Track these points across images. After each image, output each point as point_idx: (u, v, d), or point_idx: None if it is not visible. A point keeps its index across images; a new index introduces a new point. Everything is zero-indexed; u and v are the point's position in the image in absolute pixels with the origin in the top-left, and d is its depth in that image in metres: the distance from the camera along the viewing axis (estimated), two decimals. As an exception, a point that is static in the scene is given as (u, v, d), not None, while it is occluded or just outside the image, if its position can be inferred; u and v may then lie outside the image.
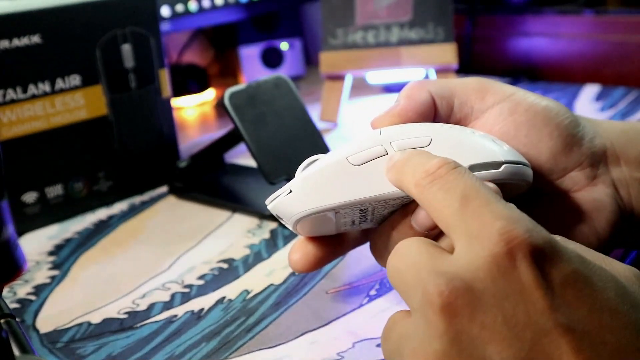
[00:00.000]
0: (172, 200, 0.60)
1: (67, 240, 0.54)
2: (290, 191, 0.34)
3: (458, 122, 0.36)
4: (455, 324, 0.24)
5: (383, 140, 0.34)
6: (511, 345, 0.24)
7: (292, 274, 0.46)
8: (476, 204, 0.26)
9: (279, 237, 0.51)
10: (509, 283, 0.24)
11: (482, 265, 0.25)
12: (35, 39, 0.54)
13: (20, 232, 0.55)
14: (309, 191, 0.34)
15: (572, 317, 0.24)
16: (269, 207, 0.35)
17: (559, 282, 0.25)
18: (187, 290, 0.45)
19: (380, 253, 0.36)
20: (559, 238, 0.27)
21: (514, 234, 0.25)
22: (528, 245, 0.25)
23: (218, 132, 0.77)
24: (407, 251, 0.28)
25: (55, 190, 0.57)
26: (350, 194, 0.34)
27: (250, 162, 0.61)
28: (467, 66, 0.93)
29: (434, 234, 0.32)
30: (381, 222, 0.36)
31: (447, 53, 0.73)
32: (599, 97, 0.78)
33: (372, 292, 0.42)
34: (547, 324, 0.24)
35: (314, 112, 0.68)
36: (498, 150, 0.34)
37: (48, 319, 0.43)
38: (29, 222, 0.55)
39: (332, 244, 0.37)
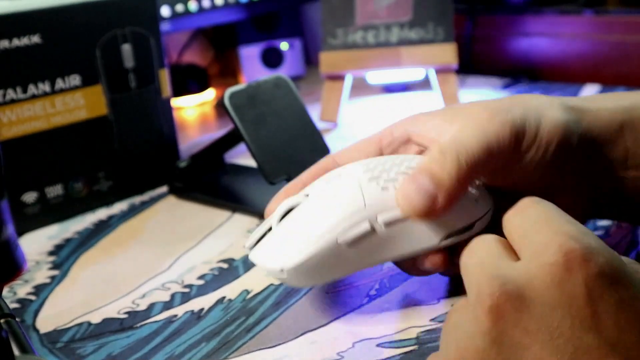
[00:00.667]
0: (172, 200, 0.60)
1: (67, 240, 0.54)
2: (282, 270, 0.36)
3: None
4: (499, 325, 0.25)
5: (369, 215, 0.36)
6: (550, 355, 0.24)
7: (292, 274, 0.46)
8: (545, 225, 0.27)
9: (279, 237, 0.51)
10: (559, 295, 0.25)
11: (537, 274, 0.25)
12: (35, 39, 0.54)
13: (20, 232, 0.55)
14: (303, 275, 0.36)
15: (619, 340, 0.24)
16: (261, 267, 0.38)
17: (613, 303, 0.25)
18: (187, 290, 0.45)
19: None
20: (626, 260, 0.27)
21: (574, 247, 0.25)
22: (587, 261, 0.25)
23: (218, 132, 0.77)
24: (478, 247, 0.29)
25: (55, 190, 0.57)
26: (343, 271, 0.37)
27: (250, 162, 0.61)
28: (467, 66, 0.93)
29: None
30: None
31: (447, 53, 0.73)
32: (599, 97, 0.79)
33: (372, 292, 0.42)
34: (592, 343, 0.24)
35: (314, 112, 0.68)
36: (473, 209, 0.37)
37: (48, 319, 0.43)
38: (29, 222, 0.55)
39: None
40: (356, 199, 0.36)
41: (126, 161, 0.60)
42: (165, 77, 0.62)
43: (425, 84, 0.83)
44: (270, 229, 0.38)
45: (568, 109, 0.38)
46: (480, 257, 0.28)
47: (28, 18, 0.53)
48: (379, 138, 0.42)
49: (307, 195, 0.38)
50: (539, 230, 0.27)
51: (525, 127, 0.36)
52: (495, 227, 0.33)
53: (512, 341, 0.25)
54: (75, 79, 0.56)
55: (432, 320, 0.39)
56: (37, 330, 0.42)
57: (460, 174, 0.35)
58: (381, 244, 0.36)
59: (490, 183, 0.40)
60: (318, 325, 0.39)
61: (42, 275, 0.48)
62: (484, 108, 0.37)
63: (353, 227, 0.36)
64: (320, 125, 0.74)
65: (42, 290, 0.46)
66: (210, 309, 0.42)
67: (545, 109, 0.37)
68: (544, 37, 0.89)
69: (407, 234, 0.36)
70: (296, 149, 0.53)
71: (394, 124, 0.42)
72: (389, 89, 0.87)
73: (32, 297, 0.46)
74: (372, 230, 0.36)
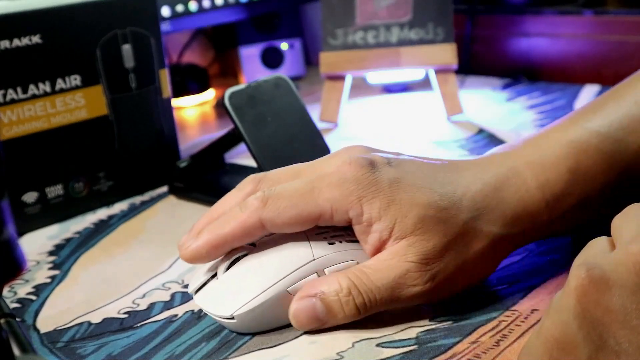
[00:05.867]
0: (172, 200, 0.60)
1: (67, 240, 0.54)
2: (232, 316, 0.38)
3: None
4: (582, 303, 0.28)
5: (317, 267, 0.38)
6: (625, 334, 0.27)
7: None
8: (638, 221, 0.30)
9: (279, 237, 0.51)
10: (639, 281, 0.27)
11: (623, 261, 0.28)
12: (36, 39, 0.54)
13: (21, 232, 0.55)
14: (252, 321, 0.38)
15: None
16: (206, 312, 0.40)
17: None
18: (187, 290, 0.45)
19: None
20: None
21: None
22: None
23: (218, 132, 0.77)
24: (588, 246, 0.31)
25: (55, 190, 0.57)
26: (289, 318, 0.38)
27: (250, 162, 0.61)
28: (467, 66, 0.93)
29: None
30: None
31: (447, 53, 0.73)
32: (599, 97, 0.78)
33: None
34: None
35: (314, 112, 0.68)
36: None
37: (48, 319, 0.43)
38: (29, 222, 0.56)
39: None
40: (305, 252, 0.38)
41: (126, 161, 0.60)
42: (165, 77, 0.62)
43: (425, 84, 0.84)
44: (214, 275, 0.40)
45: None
46: (586, 253, 0.31)
47: (28, 18, 0.53)
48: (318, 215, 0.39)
49: (254, 245, 0.40)
50: (633, 226, 0.30)
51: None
52: None
53: (593, 318, 0.28)
54: (75, 79, 0.56)
55: (431, 320, 0.39)
56: (37, 330, 0.42)
57: (361, 315, 0.38)
58: None
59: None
60: (318, 325, 0.39)
61: (42, 275, 0.49)
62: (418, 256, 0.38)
63: (302, 278, 0.38)
64: (320, 125, 0.74)
65: (42, 290, 0.46)
66: (211, 308, 0.42)
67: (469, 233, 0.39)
68: (543, 37, 0.89)
69: None
70: (296, 149, 0.53)
71: (335, 206, 0.39)
72: (389, 89, 0.87)
73: (33, 297, 0.46)
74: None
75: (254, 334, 0.39)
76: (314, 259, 0.38)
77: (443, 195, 0.39)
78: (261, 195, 0.38)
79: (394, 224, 0.38)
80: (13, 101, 0.53)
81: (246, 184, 0.41)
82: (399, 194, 0.38)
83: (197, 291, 0.40)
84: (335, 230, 0.40)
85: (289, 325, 0.39)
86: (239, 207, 0.39)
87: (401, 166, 0.40)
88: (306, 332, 0.39)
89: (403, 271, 0.37)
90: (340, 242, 0.39)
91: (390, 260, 0.38)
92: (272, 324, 0.39)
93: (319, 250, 0.39)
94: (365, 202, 0.38)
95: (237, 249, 0.40)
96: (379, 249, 0.38)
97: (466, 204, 0.39)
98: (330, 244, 0.39)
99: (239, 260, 0.39)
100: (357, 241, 0.40)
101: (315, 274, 0.38)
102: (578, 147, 0.41)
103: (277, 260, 0.39)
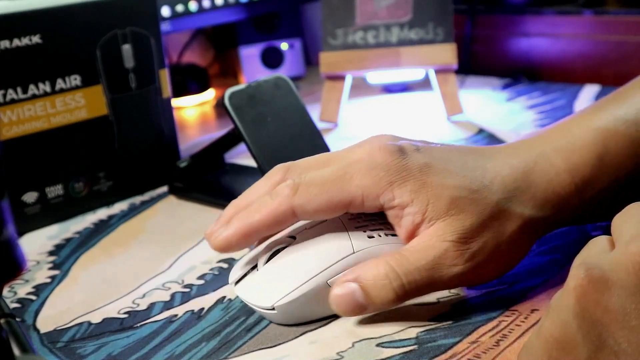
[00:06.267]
0: (172, 200, 0.60)
1: (67, 240, 0.54)
2: (273, 307, 0.38)
3: None
4: (582, 302, 0.28)
5: (357, 260, 0.38)
6: (624, 334, 0.27)
7: (292, 273, 0.46)
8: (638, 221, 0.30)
9: (279, 237, 0.51)
10: (638, 281, 0.27)
11: (622, 261, 0.28)
12: (36, 39, 0.54)
13: (21, 232, 0.55)
14: (292, 313, 0.39)
15: None
16: (245, 300, 0.40)
17: None
18: (187, 290, 0.45)
19: None
20: None
21: None
22: None
23: (218, 132, 0.77)
24: (588, 246, 0.32)
25: (55, 190, 0.57)
26: (328, 310, 0.38)
27: (250, 162, 0.61)
28: (467, 66, 0.93)
29: None
30: None
31: (447, 53, 0.73)
32: (599, 97, 0.79)
33: (372, 292, 0.42)
34: None
35: (314, 112, 0.68)
36: None
37: (48, 319, 0.43)
38: (29, 222, 0.56)
39: None
40: (345, 245, 0.39)
41: (126, 161, 0.60)
42: (165, 77, 0.62)
43: (425, 84, 0.84)
44: (254, 266, 0.40)
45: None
46: (585, 253, 0.31)
47: (28, 18, 0.53)
48: (348, 201, 0.39)
49: (294, 238, 0.40)
50: (633, 225, 0.30)
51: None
52: None
53: (593, 318, 0.28)
54: (75, 79, 0.56)
55: (431, 319, 0.39)
56: (37, 330, 0.42)
57: (400, 300, 0.38)
58: None
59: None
60: (318, 325, 0.39)
61: (42, 275, 0.49)
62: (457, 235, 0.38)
63: (342, 271, 0.38)
64: (320, 125, 0.74)
65: (42, 290, 0.46)
66: (210, 308, 0.42)
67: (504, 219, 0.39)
68: (543, 37, 0.89)
69: None
70: (296, 149, 0.53)
71: (366, 193, 0.38)
72: (389, 89, 0.87)
73: (33, 297, 0.46)
74: None
75: (254, 334, 0.39)
76: (353, 252, 0.39)
77: (473, 179, 0.39)
78: (291, 182, 0.38)
79: (427, 206, 0.38)
80: (13, 101, 0.53)
81: (274, 173, 0.41)
82: (430, 177, 0.38)
83: (237, 282, 0.41)
84: (374, 224, 0.40)
85: (329, 317, 0.39)
86: (269, 196, 0.39)
87: (430, 152, 0.40)
88: (306, 332, 0.39)
89: (442, 251, 0.37)
90: (380, 235, 0.40)
91: (428, 241, 0.38)
92: (312, 315, 0.39)
93: (358, 244, 0.39)
94: (396, 186, 0.38)
95: (277, 241, 0.40)
96: (412, 232, 0.38)
97: (496, 187, 0.39)
98: (370, 237, 0.39)
99: (279, 253, 0.40)
100: (396, 235, 0.40)
101: None
102: (605, 133, 0.41)
103: (317, 252, 0.39)
